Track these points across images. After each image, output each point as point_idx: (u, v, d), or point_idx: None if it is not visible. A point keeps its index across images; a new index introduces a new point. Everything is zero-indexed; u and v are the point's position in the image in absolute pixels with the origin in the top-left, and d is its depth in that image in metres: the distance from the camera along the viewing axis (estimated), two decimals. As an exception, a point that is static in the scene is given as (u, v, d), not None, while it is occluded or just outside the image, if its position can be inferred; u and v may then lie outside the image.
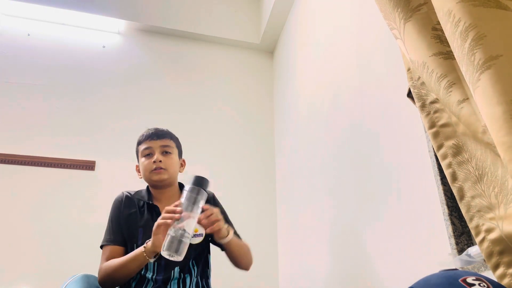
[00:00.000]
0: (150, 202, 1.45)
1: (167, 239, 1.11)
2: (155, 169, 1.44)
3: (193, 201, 1.19)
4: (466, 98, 0.68)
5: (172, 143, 1.52)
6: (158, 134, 1.50)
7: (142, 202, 1.46)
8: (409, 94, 1.05)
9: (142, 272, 1.34)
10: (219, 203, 1.60)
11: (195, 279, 1.38)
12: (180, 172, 1.57)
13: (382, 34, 1.54)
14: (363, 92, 1.68)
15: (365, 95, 1.66)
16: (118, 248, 1.38)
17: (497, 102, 0.55)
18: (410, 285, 0.62)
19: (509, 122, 0.53)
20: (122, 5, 2.94)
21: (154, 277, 1.33)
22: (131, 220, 1.42)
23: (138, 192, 1.52)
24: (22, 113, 2.49)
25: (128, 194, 1.50)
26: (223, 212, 1.52)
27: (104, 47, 2.88)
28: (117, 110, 2.69)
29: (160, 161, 1.44)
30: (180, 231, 1.11)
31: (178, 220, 1.14)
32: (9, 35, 2.69)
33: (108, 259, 1.35)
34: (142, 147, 1.50)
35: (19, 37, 2.71)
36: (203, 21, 3.12)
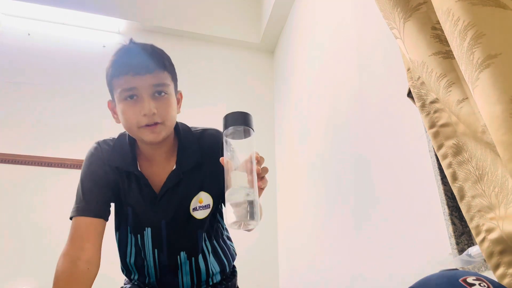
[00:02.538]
0: (136, 173, 1.02)
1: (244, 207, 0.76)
2: (147, 125, 0.96)
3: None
4: (465, 98, 0.68)
5: (167, 76, 1.01)
6: (146, 65, 0.97)
7: (125, 170, 1.03)
8: (409, 94, 1.04)
9: (143, 270, 1.07)
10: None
11: (211, 255, 1.09)
12: (177, 112, 1.10)
13: (382, 33, 1.53)
14: (363, 92, 1.67)
15: (365, 94, 1.65)
16: (95, 222, 0.97)
17: (496, 100, 0.54)
18: (410, 285, 0.62)
19: (508, 121, 0.53)
20: (122, 5, 2.94)
21: (157, 266, 1.06)
22: (116, 186, 1.03)
23: (117, 149, 1.05)
24: (22, 113, 2.49)
25: (104, 150, 1.06)
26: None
27: (104, 46, 2.88)
28: (117, 110, 2.69)
29: (154, 113, 0.95)
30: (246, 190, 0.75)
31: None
32: (9, 34, 2.69)
33: (73, 237, 0.95)
34: (120, 84, 0.97)
35: (19, 37, 2.71)
36: (203, 21, 3.12)
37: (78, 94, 2.67)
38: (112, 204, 1.06)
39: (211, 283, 1.11)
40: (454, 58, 0.70)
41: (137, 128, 0.97)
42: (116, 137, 1.11)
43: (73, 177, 2.46)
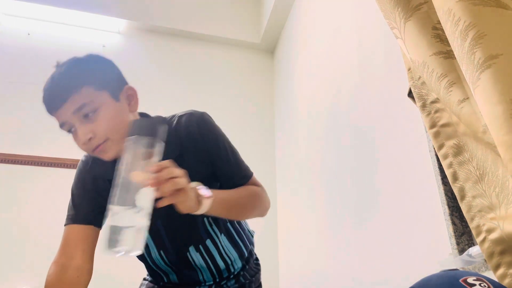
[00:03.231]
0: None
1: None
2: (93, 149, 0.92)
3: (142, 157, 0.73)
4: (466, 98, 0.68)
5: (86, 92, 0.90)
6: (59, 95, 0.90)
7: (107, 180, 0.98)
8: (410, 94, 1.04)
9: (159, 275, 1.05)
10: (212, 130, 1.04)
11: (222, 237, 1.03)
12: (132, 110, 1.01)
13: (382, 33, 1.53)
14: (363, 92, 1.67)
15: (365, 94, 1.65)
16: (80, 228, 0.95)
17: (497, 101, 0.54)
18: (410, 285, 0.61)
19: (509, 121, 0.53)
20: (122, 5, 2.94)
21: (170, 265, 1.02)
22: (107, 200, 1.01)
23: (98, 159, 0.98)
24: (23, 113, 2.49)
25: (85, 161, 1.04)
26: (220, 147, 1.00)
27: (104, 46, 2.88)
28: (118, 110, 2.69)
29: (91, 138, 0.89)
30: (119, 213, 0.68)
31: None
32: (9, 34, 2.69)
33: (63, 246, 0.94)
34: (56, 122, 0.96)
35: (19, 37, 2.71)
36: (203, 21, 3.12)
37: (78, 94, 2.67)
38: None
39: (232, 270, 1.06)
40: (455, 58, 0.70)
41: (92, 152, 0.93)
42: None
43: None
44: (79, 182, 1.03)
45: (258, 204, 1.03)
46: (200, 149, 0.94)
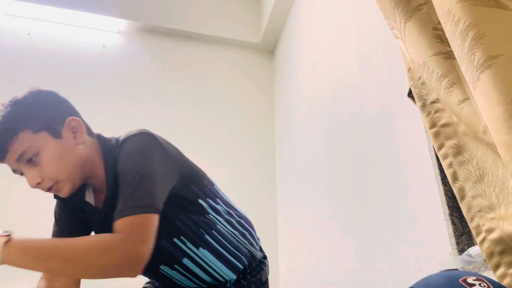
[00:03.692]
0: (81, 205, 1.01)
1: None
2: (47, 191, 0.91)
3: None
4: (466, 98, 0.68)
5: (26, 136, 0.87)
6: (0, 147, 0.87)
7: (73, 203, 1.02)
8: (410, 94, 1.05)
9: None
10: (129, 154, 0.91)
11: (202, 250, 0.97)
12: (78, 143, 0.94)
13: (382, 34, 1.53)
14: (363, 92, 1.67)
15: (365, 94, 1.66)
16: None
17: (497, 101, 0.54)
18: (410, 285, 0.62)
19: (509, 122, 0.53)
20: (122, 5, 2.94)
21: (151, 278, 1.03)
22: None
23: None
24: (23, 113, 2.49)
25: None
26: (124, 173, 0.88)
27: (104, 46, 2.88)
28: (117, 110, 2.69)
29: (39, 182, 0.88)
30: None
31: None
32: (10, 34, 2.69)
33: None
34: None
35: (19, 37, 2.71)
36: (203, 21, 3.12)
37: (78, 94, 2.67)
38: None
39: (223, 281, 1.02)
40: (455, 59, 0.70)
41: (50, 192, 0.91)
42: None
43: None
44: (58, 214, 1.05)
45: (102, 262, 0.78)
46: (133, 169, 0.88)
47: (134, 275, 0.80)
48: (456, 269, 0.62)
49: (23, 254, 0.76)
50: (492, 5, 0.59)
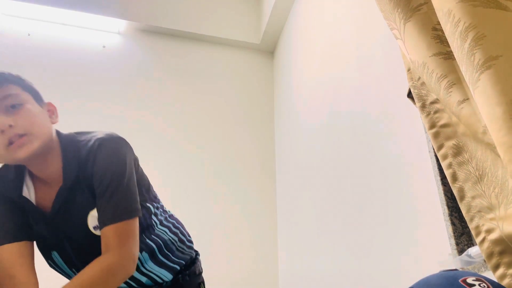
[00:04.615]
0: (19, 199, 0.95)
1: None
2: (11, 141, 0.86)
3: None
4: (466, 99, 0.68)
5: (15, 88, 0.92)
6: None
7: (9, 198, 0.95)
8: (409, 95, 1.05)
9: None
10: (107, 159, 0.94)
11: (143, 253, 0.99)
12: (53, 122, 1.00)
13: (382, 34, 1.54)
14: (363, 92, 1.67)
15: (365, 95, 1.66)
16: (12, 246, 0.92)
17: (497, 102, 0.55)
18: (410, 285, 0.62)
19: (508, 122, 0.53)
20: (122, 5, 2.94)
21: None
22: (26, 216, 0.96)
23: (1, 176, 0.97)
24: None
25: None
26: (106, 180, 0.91)
27: (104, 47, 2.88)
28: (117, 110, 2.69)
29: (11, 125, 0.86)
30: None
31: None
32: (10, 35, 2.69)
33: (1, 267, 0.89)
34: None
35: (19, 37, 2.71)
36: (203, 21, 3.12)
37: (78, 94, 2.67)
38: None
39: (161, 282, 1.04)
40: (455, 59, 0.70)
41: (6, 150, 0.87)
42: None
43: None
44: (4, 199, 0.97)
45: (112, 281, 0.87)
46: (90, 175, 0.91)
47: (133, 273, 0.89)
48: (456, 269, 0.63)
49: None
50: (492, 6, 0.59)
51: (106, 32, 2.93)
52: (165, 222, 1.07)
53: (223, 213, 2.55)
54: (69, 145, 0.97)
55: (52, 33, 2.80)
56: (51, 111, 1.01)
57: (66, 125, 2.59)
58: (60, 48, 2.76)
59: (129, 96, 2.77)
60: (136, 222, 0.90)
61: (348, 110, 1.81)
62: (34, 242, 0.99)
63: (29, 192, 0.96)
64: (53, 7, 2.75)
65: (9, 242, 0.92)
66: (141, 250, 0.97)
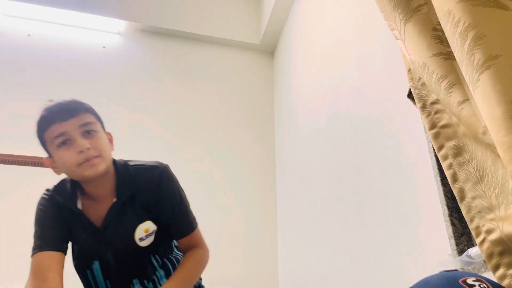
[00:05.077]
0: (75, 210, 1.10)
1: None
2: (85, 160, 1.02)
3: None
4: (466, 99, 0.68)
5: (91, 117, 1.09)
6: (69, 111, 1.05)
7: (67, 208, 1.11)
8: (410, 95, 1.05)
9: None
10: (171, 188, 1.15)
11: (162, 276, 1.14)
12: (111, 150, 1.16)
13: (382, 34, 1.54)
14: (363, 93, 1.67)
15: (365, 95, 1.66)
16: (55, 256, 1.04)
17: (496, 102, 0.54)
18: (410, 285, 0.62)
19: (508, 122, 0.53)
20: (122, 6, 2.94)
21: None
22: (66, 223, 1.11)
23: (59, 191, 1.14)
24: (22, 114, 2.49)
25: (47, 197, 1.15)
26: (171, 202, 1.13)
27: (104, 47, 2.88)
28: (117, 110, 2.69)
29: (88, 148, 1.03)
30: None
31: None
32: (10, 35, 2.69)
33: (35, 272, 1.01)
34: (51, 134, 1.05)
35: (19, 37, 2.71)
36: (203, 22, 3.12)
37: (78, 94, 2.67)
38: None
39: None
40: (455, 59, 0.70)
41: (77, 166, 1.03)
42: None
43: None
44: (46, 214, 1.11)
45: (200, 270, 1.16)
46: (152, 198, 1.11)
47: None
48: (456, 270, 0.62)
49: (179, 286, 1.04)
50: (492, 6, 0.59)
51: (106, 33, 2.93)
52: (179, 253, 1.23)
53: (223, 213, 2.55)
54: (123, 169, 1.13)
55: (52, 33, 2.80)
56: (110, 140, 1.17)
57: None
58: (60, 49, 2.76)
59: (129, 96, 2.77)
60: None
61: (348, 110, 1.81)
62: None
63: (83, 207, 1.12)
64: (53, 7, 2.75)
65: (51, 250, 1.05)
66: (159, 268, 1.13)
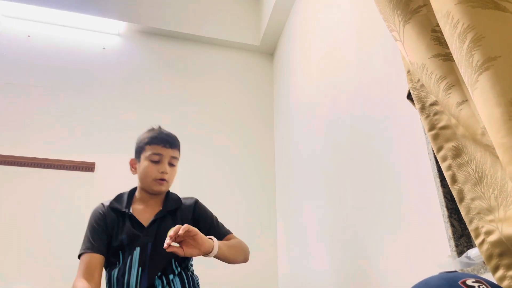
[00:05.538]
0: (126, 211, 1.43)
1: None
2: (160, 179, 1.43)
3: None
4: (465, 100, 0.68)
5: (178, 154, 1.52)
6: (171, 142, 1.48)
7: (120, 212, 1.43)
8: (409, 96, 1.05)
9: (125, 283, 1.32)
10: (204, 208, 1.56)
11: (177, 282, 1.39)
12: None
13: (382, 36, 1.54)
14: (363, 94, 1.68)
15: (365, 97, 1.66)
16: (98, 258, 1.34)
17: (495, 103, 0.54)
18: (409, 287, 0.62)
19: (507, 123, 0.53)
20: (122, 7, 2.95)
21: (138, 284, 1.31)
22: (113, 229, 1.40)
23: (118, 199, 1.49)
24: (22, 114, 2.49)
25: (105, 205, 1.47)
26: (205, 217, 1.51)
27: (104, 48, 2.88)
28: (117, 112, 2.69)
29: (166, 173, 1.44)
30: None
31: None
32: (9, 36, 2.69)
33: (85, 268, 1.30)
34: (151, 150, 1.45)
35: (19, 39, 2.71)
36: (203, 23, 3.12)
37: (78, 96, 2.67)
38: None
39: None
40: (454, 61, 0.70)
41: (152, 180, 1.44)
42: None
43: (72, 179, 2.46)
44: (101, 222, 1.42)
45: (245, 252, 1.46)
46: (191, 215, 1.50)
47: (247, 260, 1.48)
48: (455, 271, 0.62)
49: (224, 250, 1.31)
50: (491, 7, 0.59)
51: (106, 34, 2.93)
52: (195, 274, 1.50)
53: (223, 214, 2.54)
54: (171, 194, 1.55)
55: (52, 34, 2.80)
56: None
57: (66, 125, 2.60)
58: (60, 50, 2.77)
59: (129, 97, 2.77)
60: None
61: (347, 112, 1.81)
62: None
63: (133, 210, 1.46)
64: (53, 8, 2.75)
65: (98, 253, 1.35)
66: (175, 276, 1.38)
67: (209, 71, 3.05)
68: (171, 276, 1.36)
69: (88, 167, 2.47)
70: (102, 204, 1.48)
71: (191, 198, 1.56)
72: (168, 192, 1.53)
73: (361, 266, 1.56)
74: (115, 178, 2.46)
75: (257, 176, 2.81)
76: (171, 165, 1.47)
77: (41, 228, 2.26)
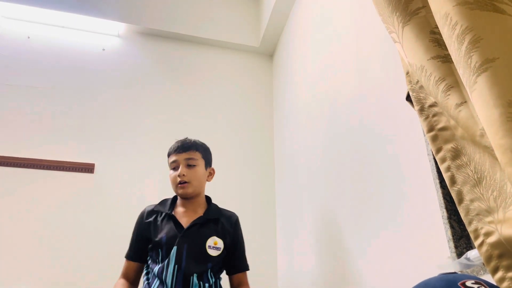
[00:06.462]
0: (168, 212, 1.57)
1: None
2: (180, 183, 1.56)
3: None
4: (464, 101, 0.68)
5: (197, 155, 1.61)
6: (183, 147, 1.59)
7: (162, 213, 1.58)
8: (408, 98, 1.05)
9: (163, 279, 1.42)
10: (241, 232, 1.67)
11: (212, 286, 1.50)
12: (208, 181, 1.68)
13: (381, 37, 1.54)
14: (362, 96, 1.68)
15: (364, 98, 1.66)
16: (133, 264, 1.56)
17: (494, 104, 0.55)
18: (408, 288, 0.61)
19: (506, 125, 0.53)
20: (121, 8, 2.95)
21: (173, 281, 1.42)
22: (152, 229, 1.54)
23: (162, 202, 1.65)
24: (22, 116, 2.49)
25: (149, 208, 1.62)
26: (240, 242, 1.62)
27: (103, 49, 2.88)
28: (117, 113, 2.69)
29: (184, 175, 1.55)
30: None
31: None
32: (9, 37, 2.69)
33: (124, 273, 1.55)
34: (170, 159, 1.62)
35: (19, 40, 2.71)
36: (202, 24, 3.13)
37: (78, 97, 2.67)
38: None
39: None
40: (453, 62, 0.70)
41: (175, 186, 1.58)
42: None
43: (72, 180, 2.46)
44: (138, 229, 1.59)
45: None
46: (230, 228, 1.62)
47: None
48: (455, 273, 0.62)
49: None
50: (489, 9, 0.59)
51: (106, 35, 2.93)
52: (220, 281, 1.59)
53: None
54: (213, 205, 1.67)
55: (52, 35, 2.80)
56: (211, 174, 1.70)
57: (65, 126, 2.60)
58: (59, 51, 2.77)
59: (129, 98, 2.77)
60: None
61: (347, 113, 1.81)
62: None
63: (175, 213, 1.60)
64: (52, 10, 2.75)
65: (135, 261, 1.56)
66: (210, 285, 1.49)
67: (209, 73, 3.06)
68: (206, 285, 1.46)
69: (88, 168, 2.47)
70: (145, 208, 1.64)
71: (232, 212, 1.69)
72: (211, 201, 1.68)
73: (361, 267, 1.56)
74: (114, 180, 2.46)
75: (256, 177, 2.81)
76: (190, 166, 1.58)
77: (41, 229, 2.26)
